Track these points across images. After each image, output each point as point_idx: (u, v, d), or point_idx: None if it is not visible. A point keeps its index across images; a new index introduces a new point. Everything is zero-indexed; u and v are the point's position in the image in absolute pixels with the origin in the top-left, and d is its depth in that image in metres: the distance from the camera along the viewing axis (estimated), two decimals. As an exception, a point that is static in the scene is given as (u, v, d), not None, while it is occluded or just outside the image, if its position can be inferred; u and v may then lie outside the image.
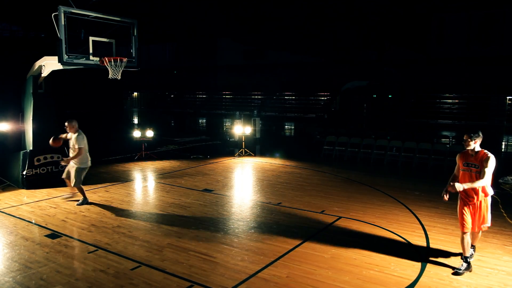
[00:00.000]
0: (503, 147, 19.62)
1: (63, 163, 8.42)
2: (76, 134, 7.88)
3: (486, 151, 5.13)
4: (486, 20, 25.28)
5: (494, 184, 9.66)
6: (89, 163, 8.14)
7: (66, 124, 7.91)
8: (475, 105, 25.85)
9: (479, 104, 25.73)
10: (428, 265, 5.35)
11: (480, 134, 5.13)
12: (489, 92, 25.33)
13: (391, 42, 26.48)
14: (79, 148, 7.77)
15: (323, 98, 33.72)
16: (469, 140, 5.13)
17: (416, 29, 26.20)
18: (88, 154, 8.05)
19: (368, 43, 27.47)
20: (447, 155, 12.36)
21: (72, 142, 7.91)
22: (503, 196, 8.81)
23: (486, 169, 4.99)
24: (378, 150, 13.50)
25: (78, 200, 8.21)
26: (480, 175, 5.03)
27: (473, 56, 25.14)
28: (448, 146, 14.08)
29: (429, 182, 10.40)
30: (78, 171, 7.94)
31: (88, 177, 10.56)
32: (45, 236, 6.37)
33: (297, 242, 6.16)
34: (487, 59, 24.65)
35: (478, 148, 5.16)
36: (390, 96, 27.51)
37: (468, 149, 5.18)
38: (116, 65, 8.51)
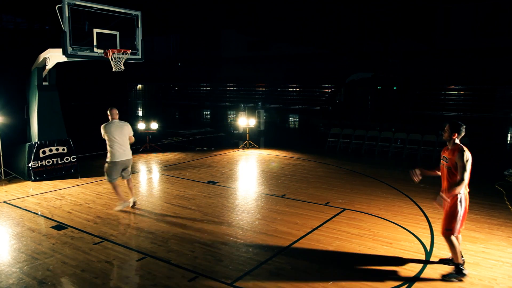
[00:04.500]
0: (508, 138, 19.50)
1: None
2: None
3: (461, 146, 4.74)
4: (493, 10, 24.98)
5: (500, 176, 9.68)
6: (116, 158, 7.05)
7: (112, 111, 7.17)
8: (481, 97, 25.70)
9: (485, 96, 25.57)
10: (432, 257, 5.35)
11: (462, 129, 4.79)
12: (495, 83, 25.13)
13: (396, 33, 26.25)
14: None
15: (327, 90, 33.62)
16: (446, 131, 4.84)
17: (421, 20, 25.96)
18: (116, 147, 7.05)
19: (373, 34, 27.26)
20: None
21: None
22: (508, 188, 8.77)
23: (459, 167, 4.65)
24: (382, 142, 13.45)
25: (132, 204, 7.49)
26: (451, 170, 4.74)
27: (479, 47, 24.92)
28: (465, 126, 13.98)
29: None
30: (105, 165, 7.19)
31: (93, 169, 10.67)
32: (51, 227, 6.43)
33: (302, 233, 6.18)
34: (494, 50, 24.42)
35: (454, 143, 4.81)
36: (395, 88, 27.39)
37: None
38: (120, 57, 8.50)
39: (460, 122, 4.82)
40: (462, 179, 4.60)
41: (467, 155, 4.66)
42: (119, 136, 7.05)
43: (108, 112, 7.19)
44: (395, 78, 27.43)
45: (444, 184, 4.87)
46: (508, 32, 24.38)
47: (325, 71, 32.55)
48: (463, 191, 4.71)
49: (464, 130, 4.79)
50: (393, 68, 27.80)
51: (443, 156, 4.91)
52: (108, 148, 7.06)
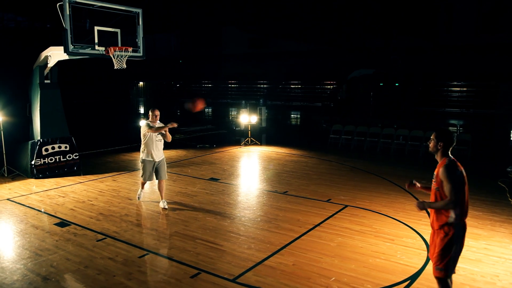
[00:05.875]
0: (511, 136, 19.44)
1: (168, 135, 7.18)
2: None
3: (449, 159, 3.73)
4: (496, 6, 24.85)
5: (503, 173, 9.66)
6: None
7: (155, 113, 7.21)
8: (484, 93, 25.59)
9: (487, 92, 25.46)
10: (434, 253, 5.35)
11: (451, 138, 3.78)
12: (498, 80, 25.02)
13: (398, 29, 26.16)
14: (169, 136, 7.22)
15: (329, 86, 33.54)
16: (431, 140, 3.85)
17: (424, 16, 25.86)
18: None
19: (375, 30, 27.17)
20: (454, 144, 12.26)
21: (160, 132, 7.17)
22: (511, 185, 8.76)
23: (445, 185, 3.65)
24: (384, 138, 13.44)
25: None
26: (439, 192, 3.74)
27: (482, 44, 24.82)
28: (455, 134, 13.98)
29: (436, 171, 10.35)
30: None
31: (95, 166, 10.71)
32: (55, 224, 6.46)
33: (303, 230, 6.19)
34: (497, 46, 24.32)
35: (442, 155, 3.81)
36: (397, 84, 27.30)
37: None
38: (121, 55, 8.51)
39: (449, 130, 3.93)
40: (451, 201, 3.59)
41: (457, 171, 3.64)
42: None
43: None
44: (397, 74, 27.35)
45: (432, 212, 3.90)
46: (511, 28, 24.25)
47: (326, 67, 32.46)
48: (457, 220, 3.67)
49: (454, 139, 3.80)
50: (395, 65, 27.72)
51: (433, 174, 3.90)
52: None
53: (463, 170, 3.71)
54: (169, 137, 7.21)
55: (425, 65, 27.35)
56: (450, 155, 3.76)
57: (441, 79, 27.36)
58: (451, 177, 3.60)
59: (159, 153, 7.24)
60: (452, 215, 3.65)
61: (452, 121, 21.99)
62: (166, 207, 7.30)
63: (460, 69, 26.46)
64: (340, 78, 31.30)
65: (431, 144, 3.85)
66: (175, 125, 6.97)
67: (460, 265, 5.01)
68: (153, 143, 7.14)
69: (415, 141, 12.79)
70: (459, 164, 3.72)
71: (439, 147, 3.78)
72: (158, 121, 7.27)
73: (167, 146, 13.48)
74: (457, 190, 3.58)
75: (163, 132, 7.12)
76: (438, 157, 3.84)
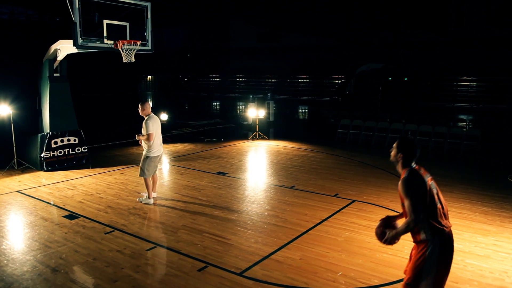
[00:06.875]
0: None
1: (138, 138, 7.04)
2: (146, 119, 7.00)
3: (408, 171, 3.32)
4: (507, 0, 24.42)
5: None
6: (158, 153, 7.15)
7: (140, 106, 7.05)
8: (494, 88, 25.28)
9: (497, 87, 25.15)
10: (442, 249, 5.32)
11: (411, 150, 3.34)
12: (508, 74, 24.67)
13: (407, 23, 25.88)
14: (148, 135, 6.88)
15: (337, 81, 33.37)
16: (393, 149, 3.43)
17: (433, 10, 25.54)
18: (157, 141, 7.12)
19: (384, 24, 26.91)
20: (463, 139, 12.17)
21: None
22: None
23: (404, 202, 3.24)
24: (393, 133, 13.35)
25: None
26: (404, 208, 3.31)
27: (493, 38, 24.48)
28: (464, 129, 13.86)
29: (445, 166, 10.29)
30: (144, 159, 7.10)
31: (103, 160, 10.78)
32: (64, 217, 6.53)
33: (311, 225, 6.19)
34: (507, 41, 23.97)
35: (402, 167, 3.38)
36: (405, 78, 27.07)
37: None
38: (130, 49, 8.52)
39: (412, 141, 3.44)
40: (411, 220, 3.15)
41: (417, 183, 3.24)
42: (159, 130, 7.17)
43: (146, 106, 7.06)
44: (406, 69, 27.12)
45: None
46: (523, 21, 23.86)
47: (335, 62, 32.29)
48: (430, 237, 3.20)
49: (417, 152, 3.35)
50: (404, 59, 27.48)
51: None
52: (147, 143, 6.98)
53: (428, 177, 3.34)
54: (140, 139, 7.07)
55: (434, 60, 27.08)
56: (413, 165, 3.34)
57: (450, 74, 27.08)
58: (409, 192, 3.19)
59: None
60: (422, 234, 3.23)
61: (462, 116, 21.79)
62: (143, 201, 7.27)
63: (470, 64, 26.16)
64: (349, 72, 31.12)
65: (392, 153, 3.43)
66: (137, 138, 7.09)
67: (469, 261, 4.99)
68: None
69: (424, 136, 12.70)
70: (422, 172, 3.33)
71: (399, 159, 3.37)
72: (162, 117, 7.11)
73: (175, 140, 13.52)
74: (417, 206, 3.14)
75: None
76: (398, 168, 3.42)
